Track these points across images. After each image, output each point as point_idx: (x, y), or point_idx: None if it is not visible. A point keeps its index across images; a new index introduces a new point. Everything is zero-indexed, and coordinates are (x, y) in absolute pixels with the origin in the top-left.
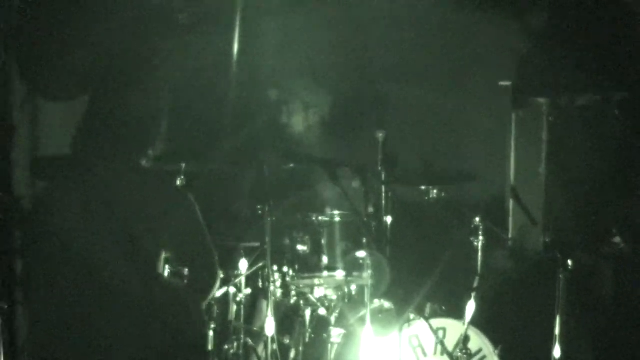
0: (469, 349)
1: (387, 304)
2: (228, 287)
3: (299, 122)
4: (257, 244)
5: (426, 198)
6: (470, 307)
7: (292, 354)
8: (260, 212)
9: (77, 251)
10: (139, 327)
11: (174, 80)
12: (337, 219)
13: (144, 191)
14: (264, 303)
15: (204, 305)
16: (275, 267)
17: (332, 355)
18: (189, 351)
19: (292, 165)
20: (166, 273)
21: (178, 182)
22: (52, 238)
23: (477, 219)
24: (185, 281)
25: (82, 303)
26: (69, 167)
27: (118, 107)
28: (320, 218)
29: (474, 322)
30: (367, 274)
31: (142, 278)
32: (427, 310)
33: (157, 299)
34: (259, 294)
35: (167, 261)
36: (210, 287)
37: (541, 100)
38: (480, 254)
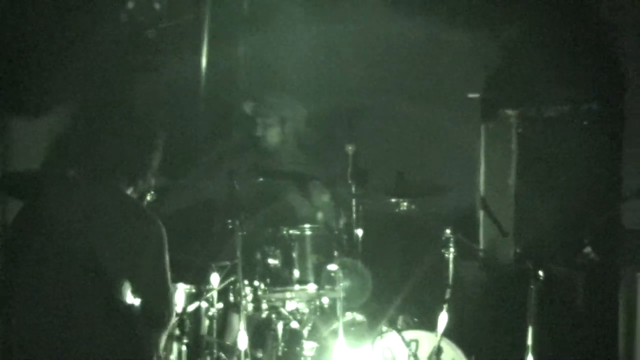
0: None
1: (359, 317)
2: (200, 301)
3: (270, 136)
4: (227, 263)
5: (397, 210)
6: (443, 319)
7: None
8: (231, 226)
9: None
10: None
11: (144, 97)
12: (308, 232)
13: (114, 213)
14: (235, 317)
15: (156, 341)
16: (246, 281)
17: None
18: None
19: (262, 179)
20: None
21: (148, 198)
22: (27, 255)
23: (448, 231)
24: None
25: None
26: (40, 184)
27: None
28: (291, 232)
29: (447, 334)
30: (338, 286)
31: (102, 302)
32: (400, 322)
33: (114, 324)
34: (229, 308)
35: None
36: (164, 322)
37: (510, 112)
38: (451, 265)
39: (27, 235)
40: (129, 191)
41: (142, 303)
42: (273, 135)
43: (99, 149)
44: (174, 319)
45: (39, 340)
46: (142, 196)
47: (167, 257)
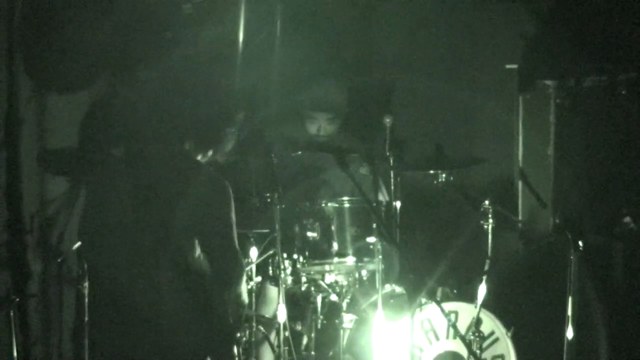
0: (481, 332)
1: (398, 289)
2: None
3: (328, 129)
4: (266, 231)
5: (435, 182)
6: (482, 290)
7: (305, 340)
8: (269, 199)
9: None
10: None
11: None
12: (347, 205)
13: (179, 174)
14: (274, 290)
15: (229, 296)
16: (285, 255)
17: (345, 341)
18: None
19: (300, 152)
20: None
21: None
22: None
23: (487, 202)
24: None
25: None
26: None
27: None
28: (329, 204)
29: (486, 305)
30: (377, 258)
31: (172, 265)
32: (439, 294)
33: (187, 287)
34: (268, 282)
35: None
36: (233, 279)
37: (548, 82)
38: (490, 236)
39: (103, 202)
40: (199, 156)
41: (211, 262)
42: (331, 129)
43: (173, 116)
44: (244, 283)
45: (120, 304)
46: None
47: (233, 217)
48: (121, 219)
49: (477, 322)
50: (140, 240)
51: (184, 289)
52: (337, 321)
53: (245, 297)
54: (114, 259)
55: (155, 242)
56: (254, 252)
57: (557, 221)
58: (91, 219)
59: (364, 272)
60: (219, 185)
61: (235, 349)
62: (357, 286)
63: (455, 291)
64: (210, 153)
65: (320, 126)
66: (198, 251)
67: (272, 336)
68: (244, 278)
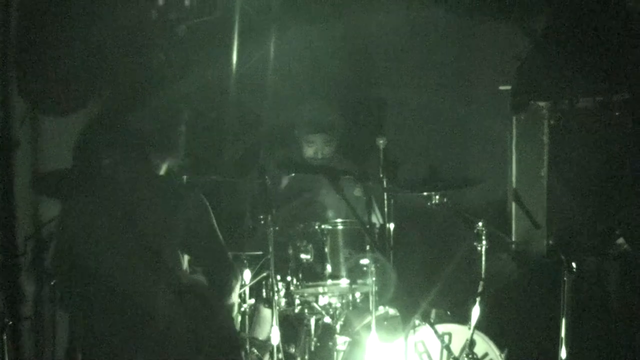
0: (475, 354)
1: (392, 311)
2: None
3: (325, 151)
4: (259, 252)
5: (428, 204)
6: (476, 312)
7: None
8: (262, 221)
9: (99, 264)
10: (162, 335)
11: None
12: (340, 227)
13: (156, 196)
14: (268, 312)
15: (228, 303)
16: (278, 277)
17: None
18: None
19: (293, 174)
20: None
21: None
22: (72, 254)
23: (480, 224)
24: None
25: (106, 315)
26: (74, 182)
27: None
28: (323, 226)
29: (480, 327)
30: (371, 280)
31: (165, 283)
32: (432, 315)
33: (182, 304)
34: (261, 304)
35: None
36: (230, 286)
37: (541, 103)
38: (483, 258)
39: (80, 235)
40: (163, 168)
41: (206, 273)
42: (328, 150)
43: (129, 136)
44: (237, 288)
45: (117, 323)
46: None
47: (214, 223)
48: (107, 246)
49: (471, 343)
50: (131, 263)
51: (182, 304)
52: (330, 343)
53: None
54: (106, 282)
55: (146, 264)
56: (247, 274)
57: (551, 242)
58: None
59: (357, 294)
60: (195, 198)
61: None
62: (350, 308)
63: (449, 313)
64: (168, 160)
65: (317, 149)
66: (185, 264)
67: (266, 358)
68: (238, 286)
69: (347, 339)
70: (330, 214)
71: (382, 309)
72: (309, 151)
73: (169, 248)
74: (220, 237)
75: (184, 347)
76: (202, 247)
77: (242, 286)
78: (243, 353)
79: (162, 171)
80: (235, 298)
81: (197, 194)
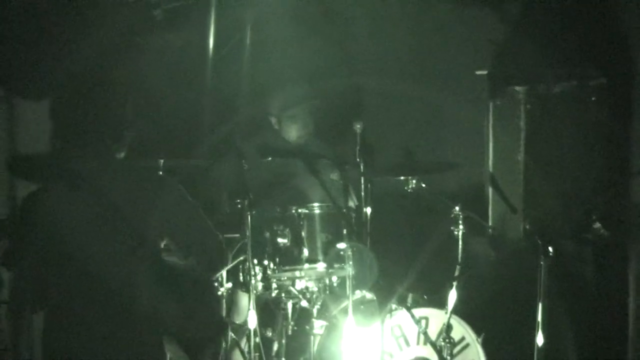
0: (451, 338)
1: (369, 295)
2: None
3: (278, 115)
4: (237, 236)
5: (405, 188)
6: (452, 296)
7: (275, 346)
8: (239, 206)
9: (75, 251)
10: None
11: (150, 77)
12: (317, 211)
13: (129, 183)
14: (245, 296)
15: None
16: (255, 261)
17: (315, 347)
18: (210, 327)
19: (270, 158)
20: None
21: None
22: (45, 240)
23: (457, 208)
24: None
25: (84, 303)
26: (50, 165)
27: (90, 104)
28: (300, 210)
29: (456, 311)
30: (348, 265)
31: (146, 268)
32: (409, 300)
33: (172, 288)
34: (238, 288)
35: (167, 248)
36: (218, 260)
37: (518, 88)
38: (460, 242)
39: (52, 221)
40: (122, 151)
41: (195, 253)
42: (311, 126)
43: (84, 122)
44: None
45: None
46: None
47: (193, 205)
48: (85, 238)
49: (448, 328)
50: (113, 253)
51: (168, 289)
52: (307, 327)
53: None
54: (86, 274)
55: (128, 253)
56: None
57: (528, 227)
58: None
59: (334, 278)
60: (170, 184)
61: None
62: (327, 292)
63: (425, 297)
64: (127, 137)
65: (302, 123)
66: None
67: (243, 342)
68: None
69: (324, 323)
70: (307, 198)
71: (358, 293)
72: (293, 130)
73: (150, 236)
74: (204, 216)
75: (171, 330)
76: (185, 231)
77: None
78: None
79: (123, 150)
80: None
81: (171, 179)
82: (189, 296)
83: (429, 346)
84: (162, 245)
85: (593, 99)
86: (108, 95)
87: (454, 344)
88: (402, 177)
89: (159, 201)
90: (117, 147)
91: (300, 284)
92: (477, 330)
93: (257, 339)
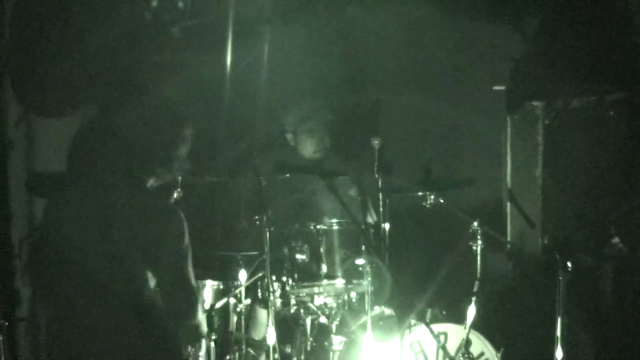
0: (470, 353)
1: (387, 311)
2: (228, 297)
3: (293, 132)
4: (255, 253)
5: (423, 204)
6: (471, 311)
7: None
8: (257, 222)
9: (78, 266)
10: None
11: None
12: (335, 227)
13: (135, 208)
14: (264, 313)
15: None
16: (274, 277)
17: None
18: None
19: (288, 175)
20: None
21: (175, 195)
22: (54, 254)
23: (475, 224)
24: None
25: (89, 316)
26: (64, 183)
27: (118, 124)
28: (318, 227)
29: (475, 326)
30: (366, 281)
31: (128, 295)
32: (428, 315)
33: (138, 322)
34: (257, 304)
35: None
36: (190, 311)
37: (536, 103)
38: (479, 258)
39: (55, 234)
40: (150, 181)
41: (165, 295)
42: (328, 141)
43: (117, 143)
44: (200, 313)
45: (70, 335)
46: (169, 190)
47: (186, 249)
48: (81, 246)
49: (467, 343)
50: (96, 268)
51: (136, 321)
52: (326, 343)
53: (204, 328)
54: (70, 283)
55: (109, 271)
56: (243, 274)
57: (546, 242)
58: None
59: (353, 294)
60: (173, 216)
61: None
62: (346, 308)
63: (444, 312)
64: (162, 172)
65: (319, 137)
66: (153, 283)
67: (262, 359)
68: (200, 309)
69: (343, 338)
70: (325, 214)
71: (377, 309)
72: (309, 145)
73: (137, 263)
74: (189, 263)
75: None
76: (165, 268)
77: (237, 287)
78: (238, 354)
79: (151, 181)
80: (200, 319)
81: (177, 214)
82: (150, 334)
83: None
84: (149, 277)
85: (611, 113)
86: (160, 122)
87: (473, 359)
88: (420, 193)
89: (160, 233)
90: (155, 179)
91: (318, 300)
92: (497, 346)
93: (276, 355)
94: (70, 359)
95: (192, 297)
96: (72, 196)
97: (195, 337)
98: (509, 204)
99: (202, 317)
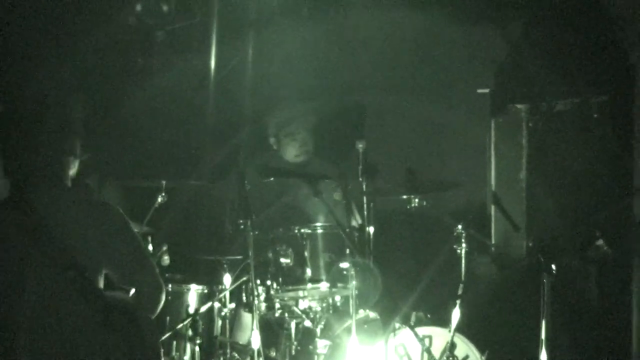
0: (455, 356)
1: (372, 314)
2: (212, 302)
3: (276, 135)
4: (240, 257)
5: (408, 207)
6: (456, 314)
7: None
8: (242, 226)
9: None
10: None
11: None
12: (320, 230)
13: (71, 211)
14: (248, 317)
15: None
16: (258, 281)
17: None
18: None
19: (272, 178)
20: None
21: (159, 199)
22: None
23: (460, 227)
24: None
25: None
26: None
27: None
28: (302, 230)
29: (460, 329)
30: (351, 284)
31: (85, 299)
32: (413, 318)
33: (109, 322)
34: (242, 308)
35: (107, 278)
36: (158, 300)
37: (520, 106)
38: (463, 261)
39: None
40: (71, 172)
41: (135, 290)
42: (311, 143)
43: (25, 151)
44: (163, 299)
45: (35, 343)
46: (153, 198)
47: (136, 236)
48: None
49: (452, 346)
50: (50, 284)
51: (106, 322)
52: (311, 347)
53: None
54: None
55: (65, 283)
56: (227, 278)
57: (530, 245)
58: None
59: (337, 298)
60: (113, 212)
61: None
62: (330, 312)
63: (429, 316)
64: (73, 160)
65: (301, 140)
66: (101, 283)
67: None
68: (163, 297)
69: (328, 342)
70: (309, 217)
71: (362, 312)
72: (291, 148)
73: (92, 266)
74: (145, 250)
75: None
76: (125, 261)
77: (222, 291)
78: (223, 358)
79: (72, 172)
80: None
81: (113, 207)
82: (121, 332)
83: None
84: (101, 275)
85: (595, 116)
86: (59, 115)
87: None
88: (404, 196)
89: (99, 229)
90: (62, 174)
91: (303, 304)
92: (481, 348)
93: (261, 359)
94: None
95: (157, 284)
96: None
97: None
98: (493, 207)
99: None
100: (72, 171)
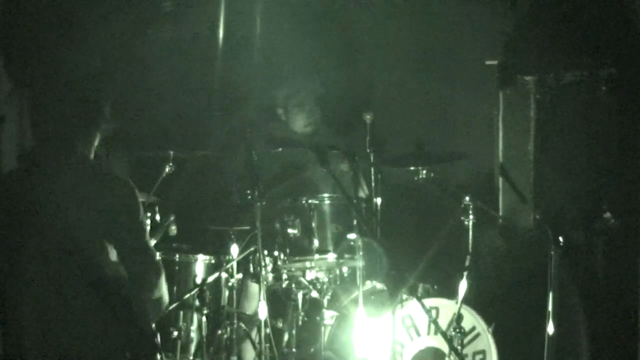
0: (462, 328)
1: (379, 285)
2: (220, 272)
3: (284, 106)
4: (247, 227)
5: (415, 179)
6: (463, 286)
7: (286, 337)
8: (249, 197)
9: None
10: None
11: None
12: (327, 201)
13: (80, 183)
14: (255, 287)
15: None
16: (266, 252)
17: (326, 338)
18: (136, 344)
19: (280, 149)
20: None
21: (167, 169)
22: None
23: (467, 198)
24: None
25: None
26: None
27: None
28: (310, 201)
29: (467, 301)
30: (359, 255)
31: (83, 272)
32: (420, 290)
33: (103, 299)
34: (249, 279)
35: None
36: (151, 282)
37: (528, 78)
38: (470, 232)
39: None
40: (94, 144)
41: (126, 267)
42: (318, 113)
43: (48, 118)
44: (164, 285)
45: (30, 317)
46: (161, 168)
47: (140, 215)
48: (29, 221)
49: (458, 318)
50: (46, 252)
51: (97, 295)
52: (318, 318)
53: (166, 299)
54: (21, 272)
55: (61, 252)
56: (234, 249)
57: (538, 217)
58: None
59: (344, 269)
60: (125, 188)
61: (158, 355)
62: (338, 283)
63: (436, 287)
64: (95, 134)
65: (309, 111)
66: (114, 255)
67: (254, 333)
68: (163, 279)
69: (335, 313)
70: (317, 188)
71: (369, 284)
72: (300, 119)
73: (93, 238)
74: (146, 231)
75: (96, 340)
76: (123, 239)
77: (229, 261)
78: (230, 328)
79: (94, 147)
80: (163, 292)
81: (126, 182)
82: (114, 308)
83: (439, 336)
84: (107, 248)
85: (603, 88)
86: (83, 91)
87: (464, 334)
88: (412, 168)
89: (109, 203)
90: (84, 146)
91: (310, 275)
92: (488, 320)
93: (268, 330)
94: (36, 346)
95: (154, 268)
96: (15, 181)
97: (159, 310)
98: (500, 179)
99: (165, 290)
100: (96, 143)
